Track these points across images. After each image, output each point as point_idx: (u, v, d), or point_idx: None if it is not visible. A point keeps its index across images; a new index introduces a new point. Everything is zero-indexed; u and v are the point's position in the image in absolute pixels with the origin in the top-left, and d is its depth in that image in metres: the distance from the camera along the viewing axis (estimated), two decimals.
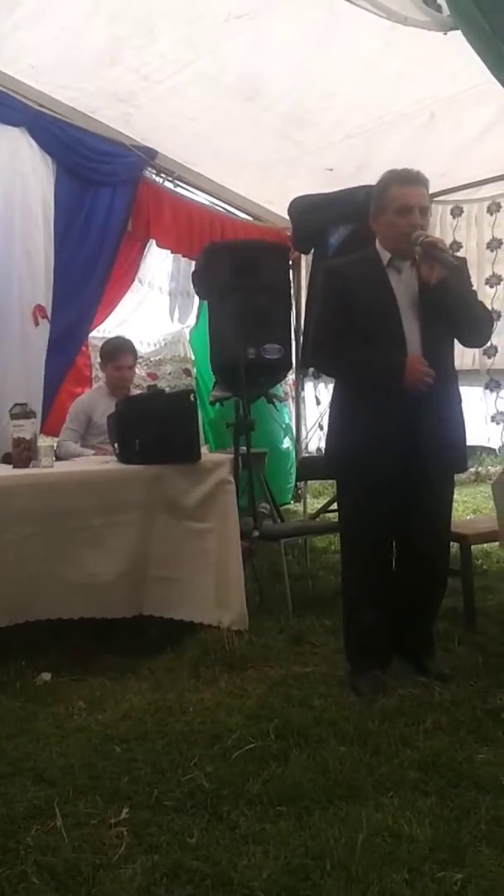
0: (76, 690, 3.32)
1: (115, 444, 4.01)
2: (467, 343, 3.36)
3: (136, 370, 5.43)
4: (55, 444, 4.77)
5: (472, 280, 3.48)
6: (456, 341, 3.30)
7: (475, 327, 3.26)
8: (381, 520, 3.25)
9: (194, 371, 6.94)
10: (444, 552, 3.44)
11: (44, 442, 4.49)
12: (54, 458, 3.99)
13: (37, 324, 5.33)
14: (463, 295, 3.17)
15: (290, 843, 2.19)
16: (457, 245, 5.80)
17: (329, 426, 3.46)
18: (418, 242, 3.09)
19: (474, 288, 3.43)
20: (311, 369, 6.90)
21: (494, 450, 5.78)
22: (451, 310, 3.13)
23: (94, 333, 6.03)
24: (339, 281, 3.30)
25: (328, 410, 3.47)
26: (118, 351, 5.03)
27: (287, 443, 6.98)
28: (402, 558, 3.34)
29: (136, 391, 5.07)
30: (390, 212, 3.17)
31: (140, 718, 3.02)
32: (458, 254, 5.74)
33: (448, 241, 5.83)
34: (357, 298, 3.19)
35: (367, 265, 3.26)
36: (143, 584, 3.75)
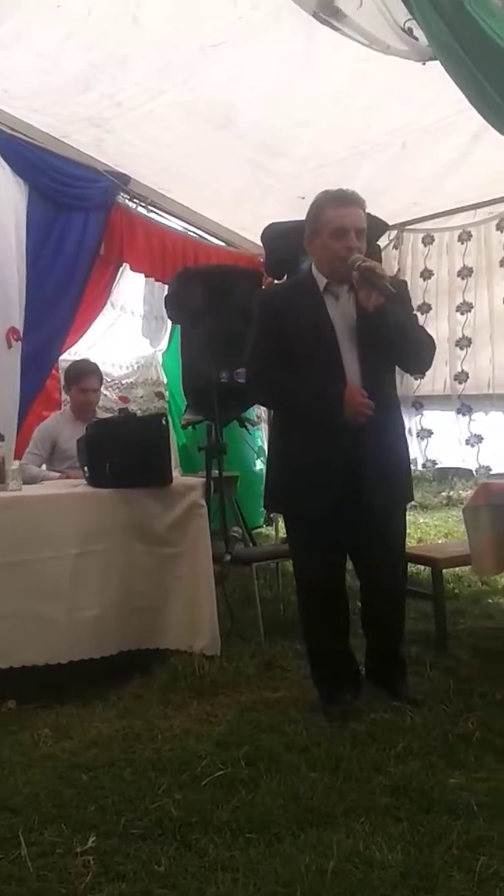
0: (42, 718, 3.27)
1: (86, 468, 3.97)
2: (408, 370, 3.33)
3: (108, 393, 5.42)
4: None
5: (412, 304, 3.43)
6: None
7: (415, 354, 3.19)
8: (327, 553, 3.17)
9: (167, 394, 6.93)
10: (398, 580, 3.35)
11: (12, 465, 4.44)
12: (21, 482, 3.94)
13: (10, 346, 5.30)
14: (402, 321, 3.07)
15: (260, 870, 2.16)
16: (428, 273, 5.87)
17: (268, 459, 3.36)
18: (355, 267, 2.99)
19: (416, 312, 3.37)
20: None
21: (471, 471, 5.82)
22: (391, 337, 3.04)
23: (64, 356, 6.00)
24: (273, 307, 3.20)
25: (267, 440, 3.42)
26: (83, 373, 4.96)
27: (259, 466, 6.97)
28: (361, 585, 3.33)
29: (106, 415, 5.04)
30: (325, 234, 3.06)
31: (107, 746, 2.98)
32: (428, 282, 5.85)
33: (419, 269, 5.91)
34: (292, 326, 3.09)
35: (302, 291, 3.17)
36: (123, 617, 3.69)
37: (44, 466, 4.81)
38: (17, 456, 4.94)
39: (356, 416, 2.98)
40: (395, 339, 3.06)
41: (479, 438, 5.56)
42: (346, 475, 3.01)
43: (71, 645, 3.54)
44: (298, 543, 3.31)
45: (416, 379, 5.51)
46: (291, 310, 3.12)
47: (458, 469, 7.71)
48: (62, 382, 5.71)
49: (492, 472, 5.27)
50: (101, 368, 5.46)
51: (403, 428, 3.30)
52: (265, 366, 3.17)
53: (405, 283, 3.49)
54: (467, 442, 5.60)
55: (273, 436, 3.34)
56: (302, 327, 3.08)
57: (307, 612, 3.33)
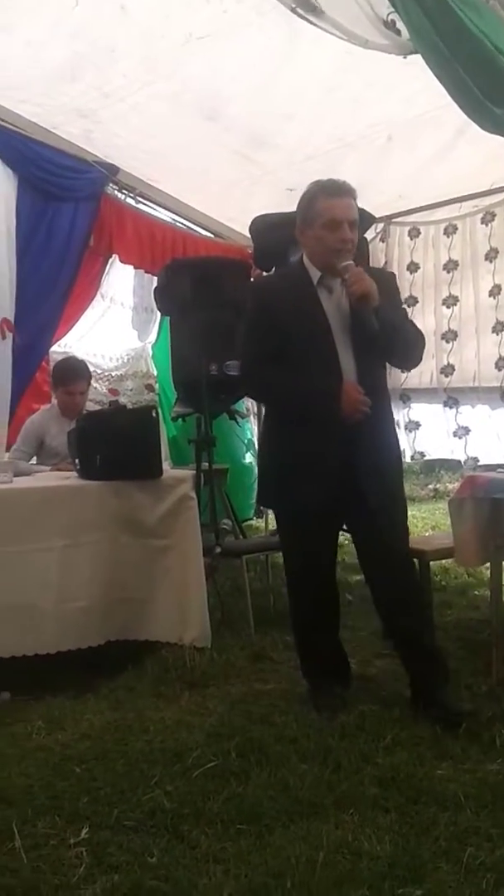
0: (35, 710, 3.29)
1: (76, 460, 3.99)
2: (398, 367, 3.30)
3: (97, 386, 5.41)
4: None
5: (401, 297, 3.37)
6: None
7: (407, 354, 3.18)
8: (319, 549, 3.16)
9: (157, 386, 6.93)
10: (407, 570, 3.29)
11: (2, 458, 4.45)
12: (12, 474, 3.95)
13: (3, 337, 5.29)
14: (395, 325, 3.03)
15: (251, 861, 2.19)
16: (414, 266, 5.89)
17: (259, 455, 3.30)
18: (344, 276, 2.96)
19: (404, 306, 3.33)
20: None
21: (459, 462, 5.87)
22: (383, 341, 3.00)
23: (54, 348, 6.00)
24: (266, 300, 3.15)
25: (259, 435, 3.35)
26: (71, 376, 4.82)
27: (249, 459, 6.99)
28: (371, 583, 3.25)
29: (96, 407, 5.04)
30: (318, 226, 3.00)
31: (100, 738, 3.00)
32: (415, 275, 5.87)
33: (405, 262, 5.93)
34: (286, 319, 3.03)
35: (295, 283, 3.10)
36: (110, 608, 3.71)
37: (33, 460, 4.80)
38: (9, 447, 4.95)
39: (354, 413, 2.96)
40: (387, 344, 3.04)
41: (467, 430, 5.60)
42: (342, 469, 2.99)
43: (58, 636, 3.55)
44: (291, 538, 3.27)
45: (402, 372, 5.53)
46: (285, 303, 3.06)
47: (445, 461, 7.76)
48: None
49: (479, 463, 5.30)
50: (91, 360, 5.48)
51: (393, 420, 3.27)
52: (259, 360, 3.13)
53: (394, 275, 3.46)
54: (455, 434, 5.64)
55: (266, 431, 3.29)
56: (296, 321, 3.03)
57: (298, 605, 3.32)
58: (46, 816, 2.45)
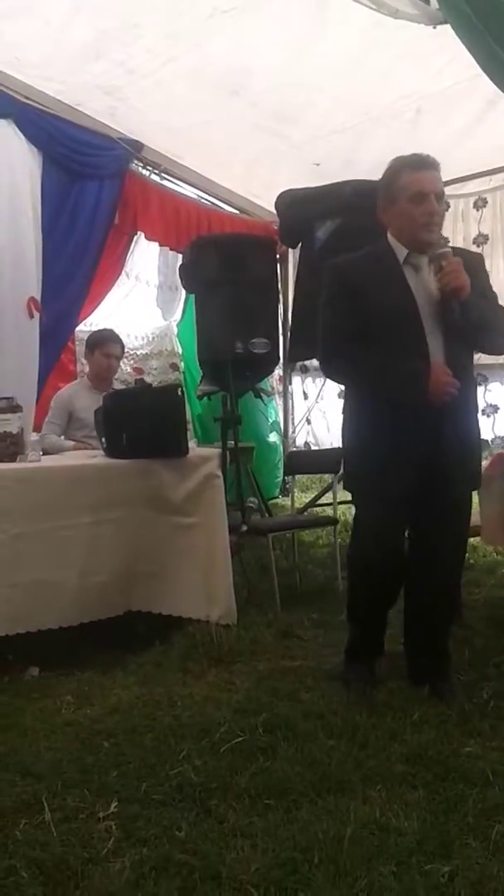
0: (64, 685, 3.31)
1: (103, 439, 4.00)
2: (489, 353, 3.18)
3: (123, 365, 5.42)
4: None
5: (489, 281, 3.17)
6: None
7: (492, 342, 3.06)
8: (398, 535, 3.07)
9: (182, 365, 6.93)
10: (456, 567, 3.24)
11: (31, 437, 4.47)
12: (41, 453, 3.98)
13: (31, 316, 5.31)
14: (486, 316, 2.91)
15: (279, 836, 2.20)
16: (444, 241, 5.80)
17: (344, 435, 3.18)
18: (442, 264, 2.85)
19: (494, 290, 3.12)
20: (298, 364, 6.91)
21: (487, 441, 5.82)
22: (473, 331, 2.91)
23: (80, 327, 6.02)
24: (349, 280, 3.00)
25: (342, 420, 3.18)
26: (107, 339, 5.00)
27: (273, 438, 6.99)
28: (414, 568, 3.13)
29: (121, 386, 5.06)
30: (403, 200, 2.89)
31: (128, 713, 3.02)
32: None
33: None
34: (371, 299, 2.91)
35: (380, 262, 2.98)
36: (131, 580, 3.74)
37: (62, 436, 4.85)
38: (36, 427, 4.98)
39: (441, 395, 2.83)
40: (474, 337, 2.95)
41: (495, 408, 5.54)
42: (425, 456, 2.90)
43: (81, 608, 3.58)
44: (369, 521, 3.13)
45: None
46: (370, 283, 2.94)
47: None
48: (78, 352, 5.74)
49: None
50: None
51: (478, 408, 3.14)
52: (343, 341, 2.99)
53: (482, 256, 3.30)
54: (483, 412, 5.59)
55: (349, 416, 3.15)
56: (382, 301, 2.90)
57: (364, 589, 3.19)
58: (75, 790, 2.47)
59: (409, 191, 2.89)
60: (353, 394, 3.17)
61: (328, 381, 6.64)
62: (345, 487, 3.39)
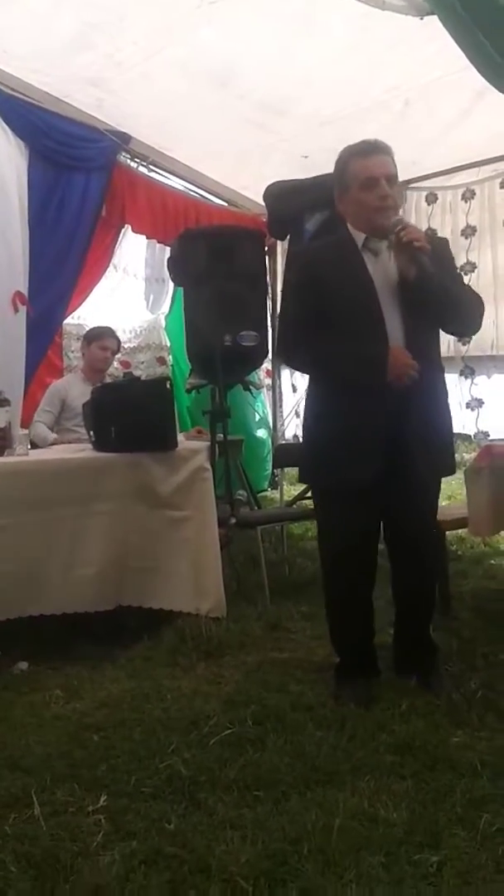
0: (53, 679, 3.31)
1: (91, 432, 3.99)
2: (454, 333, 3.15)
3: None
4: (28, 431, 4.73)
5: (454, 263, 3.19)
6: None
7: (460, 318, 3.00)
8: (362, 527, 3.00)
9: (169, 359, 6.92)
10: (432, 552, 3.25)
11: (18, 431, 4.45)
12: (29, 446, 3.97)
13: (16, 310, 5.28)
14: (446, 286, 2.88)
15: (268, 827, 2.20)
16: (431, 232, 5.81)
17: (304, 427, 3.16)
18: (395, 231, 2.83)
19: (459, 271, 3.13)
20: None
21: (470, 436, 5.81)
22: (434, 303, 2.86)
23: (68, 320, 6.00)
24: (309, 267, 3.04)
25: (304, 409, 3.14)
26: (105, 334, 5.20)
27: (263, 430, 6.99)
28: (391, 557, 3.13)
29: (110, 380, 5.05)
30: (355, 188, 2.91)
31: (117, 706, 3.02)
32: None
33: (422, 228, 5.84)
34: (330, 285, 2.91)
35: (339, 249, 2.99)
36: (122, 574, 3.74)
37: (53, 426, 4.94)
38: (25, 421, 4.97)
39: (401, 378, 2.81)
40: (439, 305, 2.89)
41: (480, 402, 5.55)
42: (389, 443, 2.86)
43: (66, 599, 3.59)
44: (331, 514, 3.08)
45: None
46: (328, 269, 2.95)
47: (458, 434, 7.71)
48: (67, 348, 5.74)
49: (490, 438, 5.26)
50: None
51: (447, 393, 3.09)
52: (302, 329, 2.99)
53: (446, 240, 3.29)
54: (468, 405, 5.60)
55: (309, 404, 3.12)
56: (340, 287, 2.90)
57: (334, 585, 3.13)
58: (65, 784, 2.47)
59: (360, 178, 2.90)
60: (312, 383, 3.15)
61: None
62: (300, 481, 3.35)
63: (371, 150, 2.91)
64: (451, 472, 3.15)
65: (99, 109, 5.58)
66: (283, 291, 3.06)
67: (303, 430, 3.15)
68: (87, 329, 5.53)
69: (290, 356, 3.25)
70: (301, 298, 3.03)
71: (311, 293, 2.97)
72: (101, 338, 5.16)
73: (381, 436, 2.87)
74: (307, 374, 3.25)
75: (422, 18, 3.55)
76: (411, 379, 2.82)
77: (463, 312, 2.97)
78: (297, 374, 7.05)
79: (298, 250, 3.11)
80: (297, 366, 3.46)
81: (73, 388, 5.02)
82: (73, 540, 3.63)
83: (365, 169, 2.89)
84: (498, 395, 5.60)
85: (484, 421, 5.55)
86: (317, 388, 3.11)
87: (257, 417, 6.88)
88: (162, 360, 6.91)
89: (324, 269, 2.97)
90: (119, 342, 5.37)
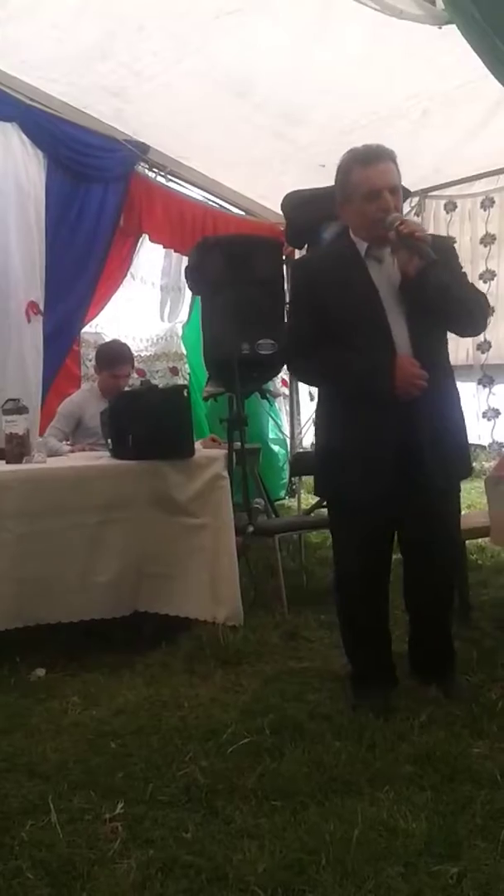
0: (70, 686, 3.31)
1: (109, 440, 4.00)
2: (459, 333, 3.05)
3: None
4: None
5: (459, 262, 3.10)
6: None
7: (464, 317, 2.92)
8: (375, 541, 2.95)
9: (185, 368, 6.93)
10: (449, 565, 3.19)
11: (36, 439, 4.47)
12: (46, 455, 3.98)
13: (29, 320, 5.31)
14: (446, 283, 2.80)
15: (286, 837, 2.19)
16: (450, 240, 5.80)
17: (315, 441, 3.13)
18: (393, 227, 2.77)
19: (464, 270, 3.07)
20: None
21: (485, 447, 5.77)
22: (434, 300, 2.80)
23: (86, 329, 6.02)
24: (312, 276, 3.01)
25: (315, 422, 3.13)
26: (118, 360, 4.88)
27: (280, 438, 6.99)
28: (407, 569, 3.08)
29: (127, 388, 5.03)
30: (357, 199, 2.85)
31: (134, 714, 3.02)
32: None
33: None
34: (334, 294, 2.88)
35: (342, 258, 2.95)
36: (139, 581, 3.74)
37: (65, 443, 4.80)
38: (42, 430, 4.97)
39: (409, 388, 2.77)
40: (439, 303, 2.81)
41: (497, 413, 5.51)
42: (403, 455, 2.81)
43: (84, 606, 3.60)
44: (344, 528, 3.05)
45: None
46: (332, 278, 2.91)
47: (473, 444, 7.69)
48: (85, 356, 5.74)
49: None
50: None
51: (459, 397, 3.05)
52: (307, 339, 2.96)
53: (453, 240, 3.31)
54: (484, 415, 5.57)
55: (320, 417, 3.08)
56: (344, 295, 2.86)
57: (351, 616, 3.10)
58: (82, 791, 2.46)
59: (361, 190, 2.84)
60: (322, 396, 3.11)
61: None
62: (315, 493, 3.32)
63: (373, 158, 2.85)
64: (469, 473, 3.11)
65: (117, 119, 5.62)
66: (289, 301, 2.99)
67: (315, 442, 3.13)
68: (100, 345, 5.33)
69: (296, 367, 3.24)
70: (305, 309, 3.00)
71: (314, 303, 2.94)
72: (112, 365, 4.84)
73: (391, 446, 2.82)
74: (314, 385, 3.24)
75: (440, 28, 3.55)
76: (419, 388, 2.79)
77: (463, 310, 2.91)
78: None
79: (301, 259, 3.07)
80: (303, 377, 3.45)
81: (90, 406, 4.81)
82: (90, 547, 3.63)
83: (367, 180, 2.83)
84: None
85: (500, 431, 5.51)
86: (326, 400, 3.08)
87: (272, 425, 6.87)
88: (175, 371, 6.90)
89: (327, 279, 2.94)
90: (133, 361, 5.08)
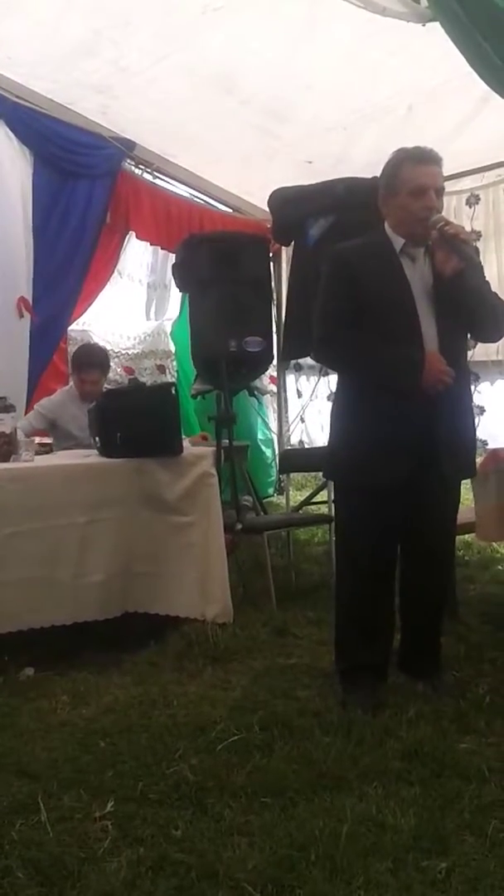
0: (59, 685, 3.30)
1: (96, 438, 3.99)
2: (482, 338, 3.13)
3: (113, 365, 5.39)
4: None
5: (483, 270, 3.14)
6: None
7: (492, 321, 2.98)
8: (386, 528, 3.00)
9: (173, 365, 6.92)
10: (447, 558, 3.27)
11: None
12: (34, 453, 3.96)
13: (21, 315, 5.29)
14: (481, 286, 2.93)
15: (275, 834, 2.19)
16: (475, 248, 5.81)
17: (332, 425, 3.15)
18: (437, 227, 2.84)
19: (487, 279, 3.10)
20: (292, 362, 6.91)
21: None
22: (469, 303, 2.90)
23: (73, 327, 6.00)
24: (347, 267, 3.00)
25: (332, 407, 3.18)
26: (85, 363, 4.84)
27: (268, 436, 7.00)
28: (405, 561, 3.12)
29: (113, 386, 5.02)
30: (403, 194, 2.90)
31: (124, 712, 3.02)
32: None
33: None
34: (368, 287, 2.92)
35: (377, 252, 2.98)
36: (128, 581, 3.73)
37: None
38: None
39: (436, 383, 2.84)
40: (474, 305, 2.91)
41: (482, 410, 5.52)
42: (418, 446, 2.89)
43: (76, 608, 3.58)
44: (356, 519, 3.07)
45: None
46: (366, 271, 2.94)
47: None
48: (70, 352, 5.71)
49: (488, 447, 5.23)
50: (108, 339, 5.45)
51: (472, 397, 3.14)
52: (337, 327, 2.99)
53: (476, 248, 3.36)
54: None
55: (339, 403, 3.13)
56: (378, 290, 2.91)
57: (351, 597, 3.11)
58: (72, 790, 2.46)
59: (410, 185, 2.90)
60: (344, 382, 3.17)
61: (322, 379, 6.65)
62: (326, 477, 3.32)
63: (425, 159, 2.92)
64: (473, 474, 3.23)
65: (103, 116, 5.60)
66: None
67: (331, 429, 3.15)
68: (78, 347, 5.31)
69: (323, 351, 3.25)
70: (338, 294, 3.01)
71: (348, 289, 2.96)
72: (80, 369, 4.81)
73: (412, 437, 2.89)
74: (338, 371, 3.27)
75: (424, 25, 3.55)
76: (445, 385, 2.86)
77: (494, 315, 2.98)
78: (303, 379, 7.07)
79: (337, 249, 3.09)
80: (329, 362, 3.48)
81: (66, 410, 4.79)
82: (80, 547, 3.61)
83: (416, 178, 2.89)
84: (500, 402, 5.57)
85: (484, 428, 5.51)
86: (348, 387, 3.13)
87: (260, 422, 6.88)
88: (162, 369, 6.89)
89: (360, 270, 2.97)
90: (106, 366, 5.00)
